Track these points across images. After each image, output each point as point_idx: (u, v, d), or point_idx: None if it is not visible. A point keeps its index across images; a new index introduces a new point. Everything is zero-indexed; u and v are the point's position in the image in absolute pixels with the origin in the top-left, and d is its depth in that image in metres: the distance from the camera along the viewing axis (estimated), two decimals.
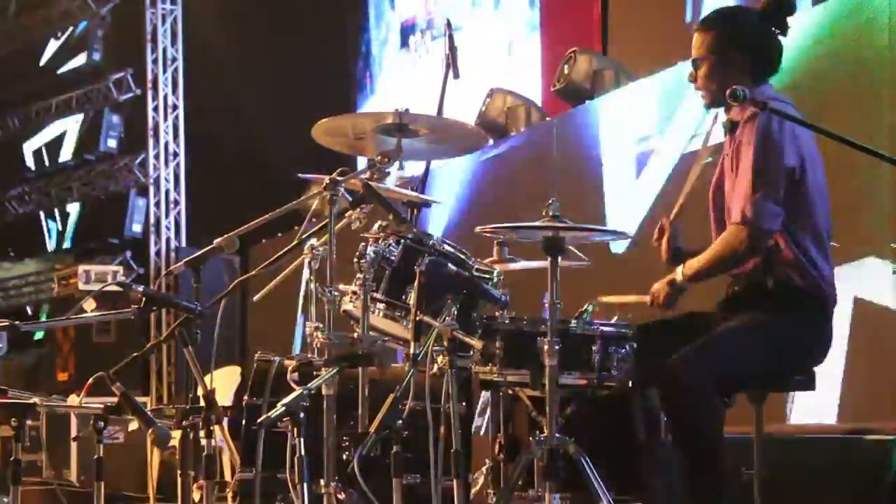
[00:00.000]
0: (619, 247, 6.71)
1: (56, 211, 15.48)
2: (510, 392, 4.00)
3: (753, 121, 3.87)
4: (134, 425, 7.76)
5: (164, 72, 13.30)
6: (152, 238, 13.33)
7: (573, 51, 7.71)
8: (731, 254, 3.91)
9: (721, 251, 3.94)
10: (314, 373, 3.53)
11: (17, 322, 4.08)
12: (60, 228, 15.42)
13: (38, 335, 12.78)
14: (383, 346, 4.00)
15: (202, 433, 3.52)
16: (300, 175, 4.23)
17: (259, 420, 3.43)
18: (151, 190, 13.40)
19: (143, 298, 3.72)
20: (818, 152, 3.95)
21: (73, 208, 15.17)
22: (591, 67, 7.58)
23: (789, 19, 4.03)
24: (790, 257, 3.89)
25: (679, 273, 4.03)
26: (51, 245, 15.57)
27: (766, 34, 4.05)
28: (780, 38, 4.06)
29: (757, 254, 3.91)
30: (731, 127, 4.05)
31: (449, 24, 4.88)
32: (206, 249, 3.97)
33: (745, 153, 3.89)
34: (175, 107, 13.35)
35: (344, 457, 3.85)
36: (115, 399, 3.55)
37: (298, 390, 3.33)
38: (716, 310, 4.09)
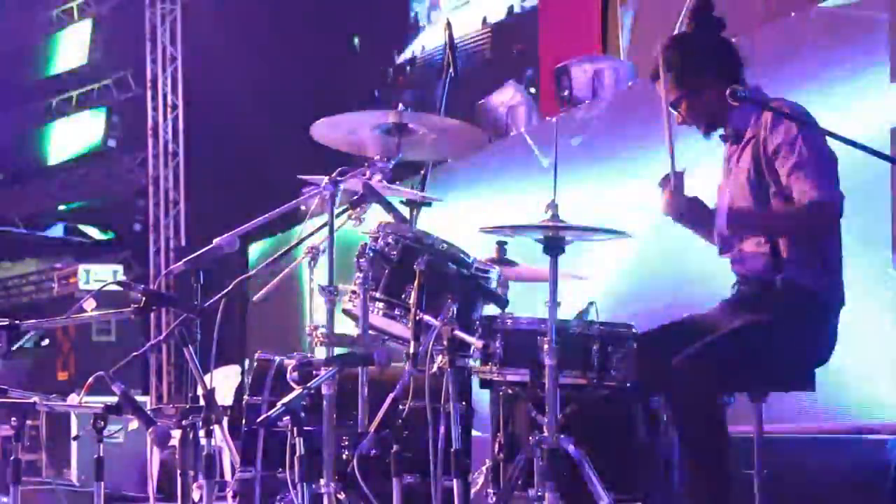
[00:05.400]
0: None
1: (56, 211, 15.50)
2: (510, 391, 4.00)
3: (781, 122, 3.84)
4: (134, 425, 7.75)
5: (164, 71, 13.30)
6: (152, 238, 13.32)
7: (565, 64, 7.59)
8: (810, 226, 3.85)
9: (800, 221, 3.85)
10: (314, 372, 3.53)
11: (17, 321, 4.07)
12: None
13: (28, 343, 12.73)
14: (383, 345, 4.00)
15: (202, 433, 3.52)
16: (300, 177, 4.22)
17: (259, 419, 3.43)
18: (151, 190, 13.39)
19: (144, 298, 3.72)
20: None
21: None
22: (590, 74, 7.52)
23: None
24: (802, 256, 3.87)
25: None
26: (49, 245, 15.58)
27: (712, 40, 4.06)
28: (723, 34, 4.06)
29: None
30: (734, 136, 4.04)
31: (449, 25, 4.88)
32: (205, 249, 3.96)
33: (784, 136, 3.82)
34: (175, 107, 13.34)
35: (344, 456, 3.85)
36: (115, 398, 3.55)
37: (298, 390, 3.32)
38: (719, 310, 4.08)
